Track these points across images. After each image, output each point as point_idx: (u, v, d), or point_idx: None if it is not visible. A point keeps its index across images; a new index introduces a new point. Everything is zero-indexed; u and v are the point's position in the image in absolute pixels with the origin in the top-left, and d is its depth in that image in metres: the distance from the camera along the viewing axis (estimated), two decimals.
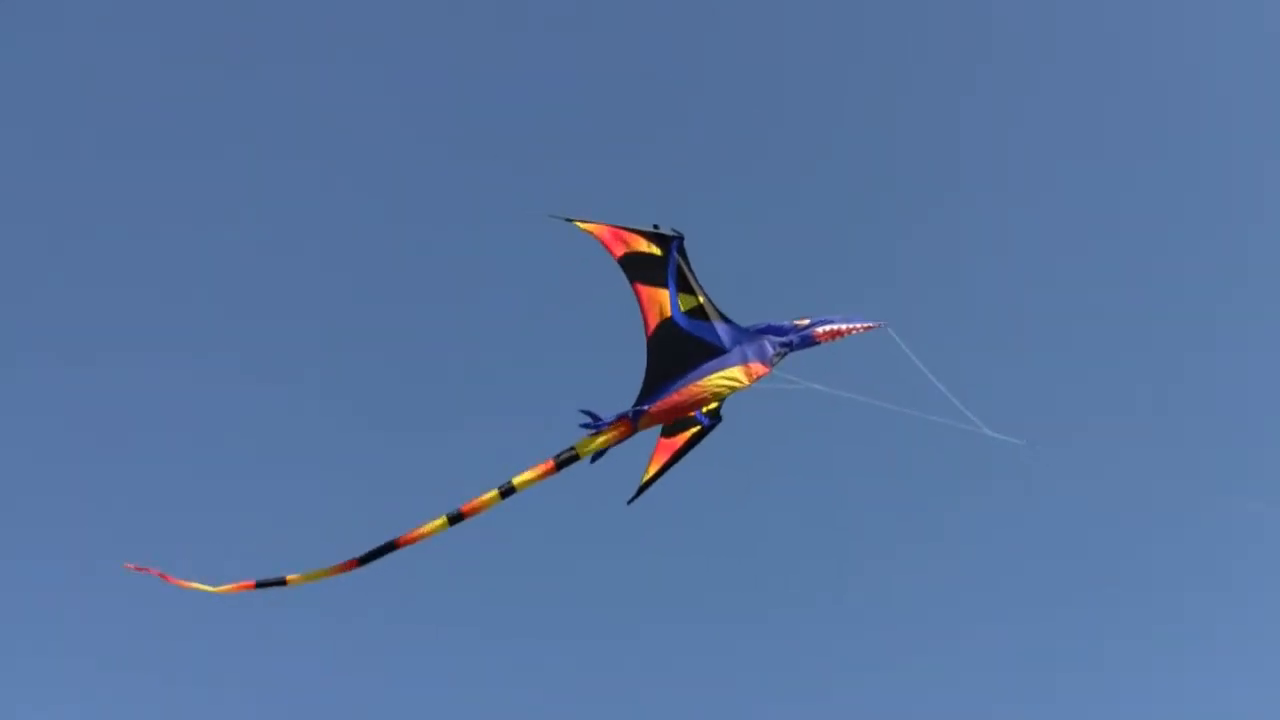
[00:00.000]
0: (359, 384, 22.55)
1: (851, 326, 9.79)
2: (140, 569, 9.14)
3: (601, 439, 9.17)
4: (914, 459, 20.73)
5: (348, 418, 22.26)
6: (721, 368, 9.38)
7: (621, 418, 9.22)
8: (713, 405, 9.81)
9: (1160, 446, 20.67)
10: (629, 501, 10.09)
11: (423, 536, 8.90)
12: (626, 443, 9.29)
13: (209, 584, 9.02)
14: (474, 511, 8.95)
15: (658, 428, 9.68)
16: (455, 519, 8.93)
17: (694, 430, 9.99)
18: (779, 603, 21.02)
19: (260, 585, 8.99)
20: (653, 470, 10.05)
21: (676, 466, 10.05)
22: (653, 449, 10.05)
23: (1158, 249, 24.32)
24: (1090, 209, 24.08)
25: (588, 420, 9.19)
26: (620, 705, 19.94)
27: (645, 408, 9.27)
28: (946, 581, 21.33)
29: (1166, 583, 21.80)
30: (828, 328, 9.71)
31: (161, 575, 9.07)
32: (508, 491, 8.98)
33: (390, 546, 8.91)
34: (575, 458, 9.12)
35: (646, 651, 20.69)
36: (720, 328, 9.43)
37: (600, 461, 9.31)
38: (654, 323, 9.31)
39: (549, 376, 22.01)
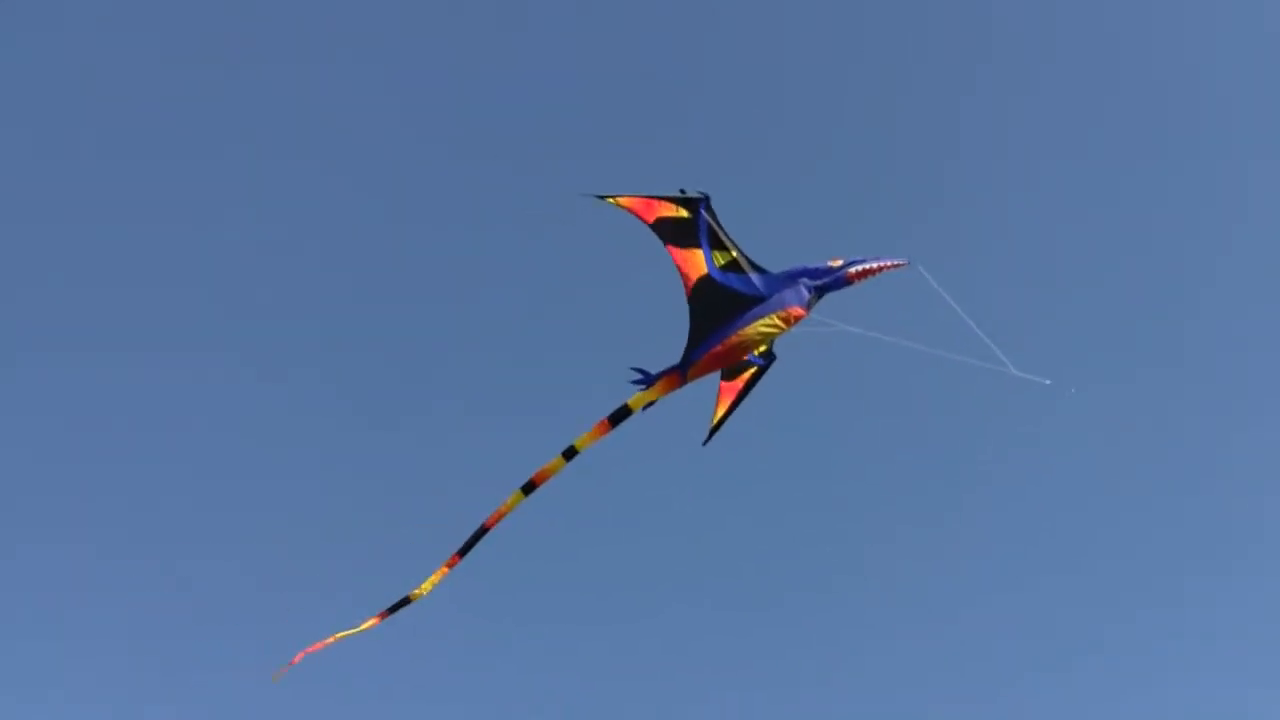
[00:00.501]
0: (405, 367, 23.10)
1: (881, 265, 10.11)
2: (293, 663, 9.27)
3: (652, 392, 9.68)
4: (942, 399, 21.26)
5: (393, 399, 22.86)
6: (761, 315, 9.77)
7: (670, 371, 9.69)
8: (762, 348, 10.27)
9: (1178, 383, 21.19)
10: (704, 443, 10.70)
11: (506, 513, 9.52)
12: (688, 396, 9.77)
13: (346, 629, 9.40)
14: (544, 479, 9.56)
15: (711, 376, 10.14)
16: (529, 489, 9.55)
17: (751, 371, 10.56)
18: (806, 545, 21.69)
19: (392, 611, 9.47)
20: (720, 412, 10.65)
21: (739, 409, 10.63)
22: (715, 395, 10.63)
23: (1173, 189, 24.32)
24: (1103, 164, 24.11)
25: (638, 378, 9.65)
26: (671, 655, 20.70)
27: (692, 359, 9.72)
28: (971, 524, 22.01)
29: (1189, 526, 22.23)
30: (859, 267, 10.04)
31: (310, 650, 9.32)
32: (570, 454, 9.57)
33: (482, 531, 9.55)
34: (628, 412, 9.66)
35: (690, 600, 21.34)
36: (755, 278, 9.80)
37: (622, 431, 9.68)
38: (692, 280, 9.69)
39: (597, 344, 22.60)
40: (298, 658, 9.27)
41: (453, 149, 24.51)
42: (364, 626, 9.41)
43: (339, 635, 9.38)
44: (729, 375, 10.57)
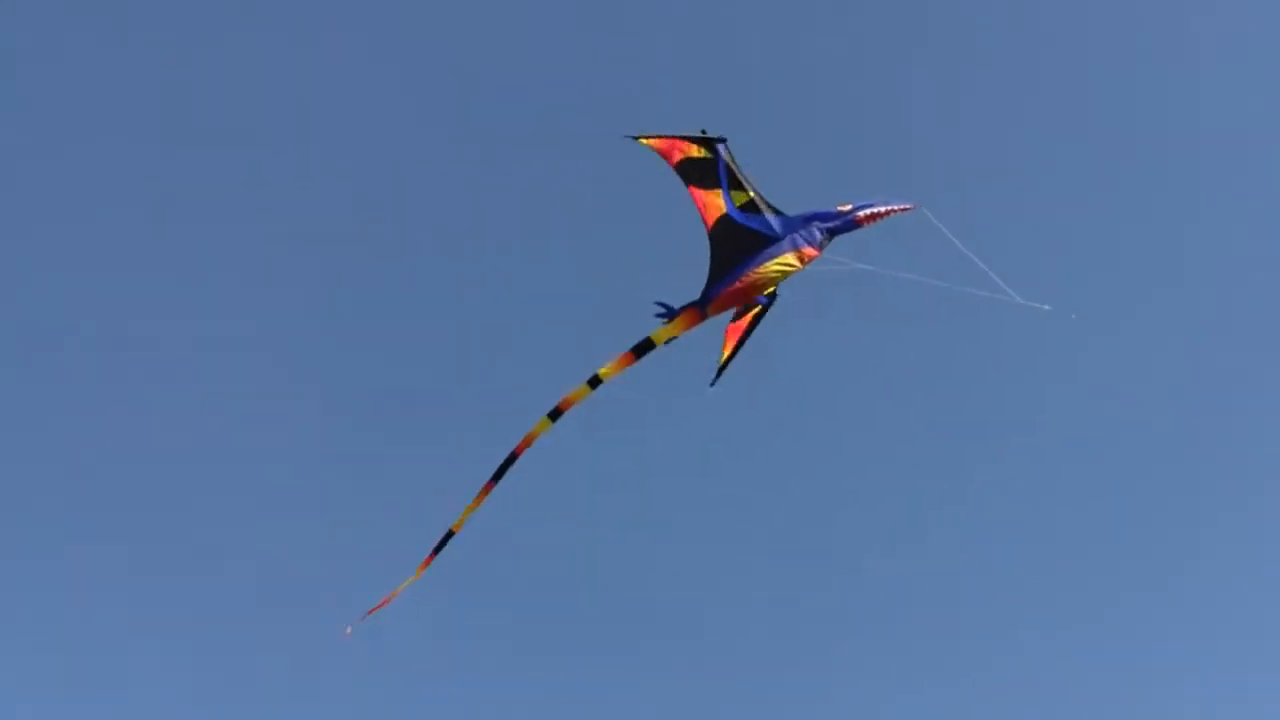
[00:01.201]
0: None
1: (890, 209, 10.68)
2: (365, 617, 9.97)
3: (674, 326, 10.15)
4: (952, 330, 22.49)
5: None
6: (777, 254, 10.29)
7: (690, 306, 10.18)
8: (769, 289, 10.78)
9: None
10: (711, 384, 11.16)
11: (534, 438, 10.02)
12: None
13: (406, 580, 10.02)
14: (569, 405, 10.04)
15: (727, 314, 10.63)
16: (555, 415, 10.03)
17: (755, 311, 11.01)
18: (814, 480, 22.77)
19: (438, 549, 10.02)
20: (726, 352, 11.14)
21: (744, 351, 11.11)
22: (723, 336, 11.10)
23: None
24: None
25: (661, 311, 10.13)
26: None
27: (712, 295, 10.22)
28: (982, 452, 23.22)
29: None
30: (868, 211, 10.60)
31: (382, 604, 10.01)
32: (595, 382, 10.07)
33: (512, 458, 10.04)
34: (651, 345, 10.14)
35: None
36: (771, 218, 10.32)
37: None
38: (712, 220, 10.22)
39: (621, 278, 23.09)
40: (375, 610, 9.95)
41: (478, 88, 25.07)
42: (419, 571, 9.99)
43: (401, 587, 9.97)
44: (734, 315, 11.05)
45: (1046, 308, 10.18)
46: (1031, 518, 22.49)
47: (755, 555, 21.93)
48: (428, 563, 9.99)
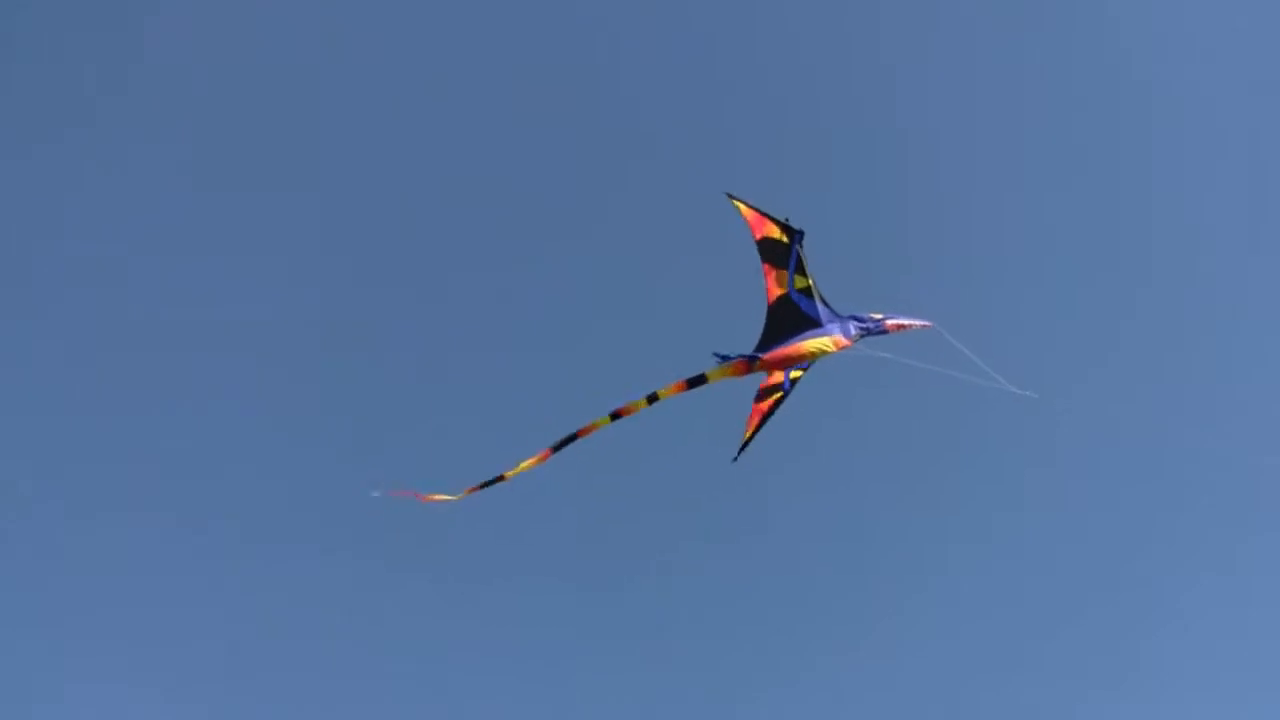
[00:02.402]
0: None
1: (912, 323, 13.18)
2: (399, 493, 11.48)
3: (725, 371, 12.39)
4: (957, 413, 25.53)
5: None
6: (818, 336, 12.71)
7: (742, 358, 12.44)
8: (798, 374, 13.10)
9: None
10: (733, 460, 13.27)
11: (595, 428, 12.02)
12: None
13: (450, 494, 11.57)
14: (627, 412, 12.13)
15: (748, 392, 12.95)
16: (615, 416, 12.10)
17: (777, 396, 13.28)
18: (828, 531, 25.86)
19: (486, 485, 11.67)
20: (749, 432, 13.33)
21: (767, 427, 13.30)
22: (749, 416, 13.31)
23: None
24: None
25: (719, 357, 12.38)
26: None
27: (760, 355, 12.53)
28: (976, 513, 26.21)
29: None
30: (894, 321, 13.11)
31: (416, 495, 11.58)
32: (653, 399, 12.18)
33: (572, 436, 12.01)
34: (703, 380, 12.32)
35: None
36: (820, 307, 12.75)
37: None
38: (774, 295, 12.63)
39: (687, 328, 26.19)
40: (408, 494, 11.57)
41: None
42: (462, 494, 11.65)
43: (437, 497, 11.62)
44: (760, 398, 13.32)
45: (1034, 395, 12.49)
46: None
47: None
48: (471, 491, 11.54)
